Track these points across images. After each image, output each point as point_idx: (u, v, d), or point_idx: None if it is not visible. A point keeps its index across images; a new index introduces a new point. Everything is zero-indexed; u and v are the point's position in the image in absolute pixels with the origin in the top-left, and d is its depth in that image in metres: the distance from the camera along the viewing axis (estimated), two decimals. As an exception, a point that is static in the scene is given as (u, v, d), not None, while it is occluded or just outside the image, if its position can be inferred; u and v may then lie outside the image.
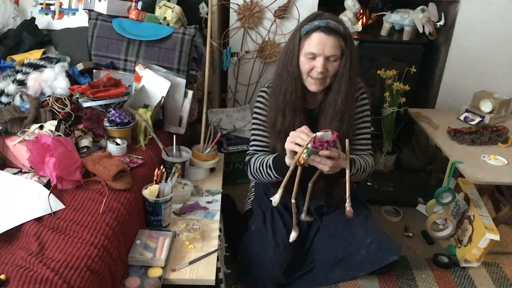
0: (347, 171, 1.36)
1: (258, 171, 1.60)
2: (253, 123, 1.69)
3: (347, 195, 1.35)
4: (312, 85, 1.51)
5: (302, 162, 1.33)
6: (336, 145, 1.34)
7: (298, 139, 1.34)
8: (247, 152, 1.71)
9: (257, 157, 1.62)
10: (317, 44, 1.44)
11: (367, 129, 1.66)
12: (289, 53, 1.51)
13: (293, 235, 1.46)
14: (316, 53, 1.45)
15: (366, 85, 1.68)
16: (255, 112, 1.68)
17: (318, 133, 1.30)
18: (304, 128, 1.36)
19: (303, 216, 1.48)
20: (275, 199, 1.36)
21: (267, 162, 1.56)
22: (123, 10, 2.04)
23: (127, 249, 1.32)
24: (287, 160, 1.43)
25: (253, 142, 1.68)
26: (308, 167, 1.38)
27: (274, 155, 1.56)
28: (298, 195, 1.40)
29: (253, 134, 1.69)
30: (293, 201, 1.38)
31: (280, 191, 1.35)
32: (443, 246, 1.99)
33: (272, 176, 1.56)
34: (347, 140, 1.37)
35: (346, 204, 1.36)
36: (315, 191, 1.46)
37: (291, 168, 1.34)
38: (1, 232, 1.17)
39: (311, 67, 1.47)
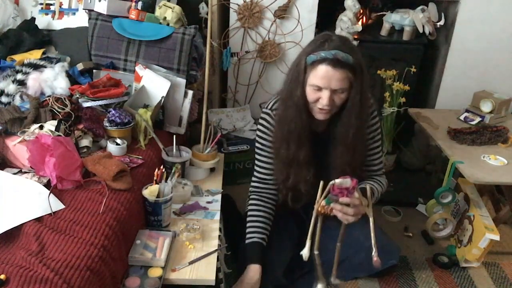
0: (371, 219, 1.29)
1: (246, 218, 1.63)
2: (257, 147, 1.64)
3: (372, 243, 1.28)
4: (318, 114, 1.45)
5: (322, 211, 1.28)
6: (356, 192, 1.28)
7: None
8: (252, 179, 1.68)
9: (254, 203, 1.64)
10: (323, 77, 1.35)
11: (378, 148, 1.64)
12: (294, 80, 1.43)
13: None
14: (322, 86, 1.37)
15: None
16: (258, 136, 1.62)
17: (337, 180, 1.24)
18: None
19: (332, 280, 1.38)
20: (305, 253, 1.30)
21: (247, 233, 1.59)
22: (123, 10, 2.04)
23: (127, 249, 1.32)
24: None
25: (256, 168, 1.65)
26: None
27: (253, 239, 1.58)
28: (307, 208, 1.35)
29: (256, 160, 1.64)
30: (316, 252, 1.30)
31: (307, 243, 1.28)
32: (443, 246, 1.99)
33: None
34: (368, 187, 1.31)
35: (373, 253, 1.28)
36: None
37: (313, 219, 1.28)
38: (1, 232, 1.17)
39: (316, 97, 1.40)
